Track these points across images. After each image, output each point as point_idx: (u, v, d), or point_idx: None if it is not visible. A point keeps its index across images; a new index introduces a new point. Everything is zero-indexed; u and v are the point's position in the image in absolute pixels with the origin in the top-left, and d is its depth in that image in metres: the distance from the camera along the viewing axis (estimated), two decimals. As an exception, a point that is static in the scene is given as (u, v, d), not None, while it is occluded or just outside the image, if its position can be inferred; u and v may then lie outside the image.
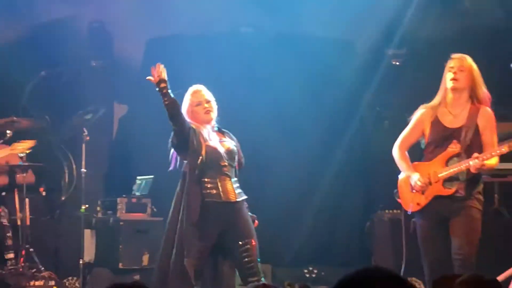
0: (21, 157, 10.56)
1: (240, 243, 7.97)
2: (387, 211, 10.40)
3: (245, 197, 8.11)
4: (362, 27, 11.14)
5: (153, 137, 8.64)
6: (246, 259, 7.97)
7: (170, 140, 7.90)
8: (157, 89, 7.65)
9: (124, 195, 10.50)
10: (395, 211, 10.26)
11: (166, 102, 7.65)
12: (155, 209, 10.23)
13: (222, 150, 8.02)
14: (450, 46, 8.66)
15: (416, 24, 11.00)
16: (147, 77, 7.71)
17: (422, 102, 8.14)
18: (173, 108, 7.68)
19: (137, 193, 10.51)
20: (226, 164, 8.03)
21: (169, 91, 7.66)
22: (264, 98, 10.85)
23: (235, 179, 8.10)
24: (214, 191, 7.96)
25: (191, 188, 7.94)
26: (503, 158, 8.04)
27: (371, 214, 10.74)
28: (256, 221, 8.21)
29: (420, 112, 7.91)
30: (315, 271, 10.07)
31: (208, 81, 8.31)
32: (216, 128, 8.13)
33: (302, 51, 10.99)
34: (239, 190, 8.08)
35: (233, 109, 8.79)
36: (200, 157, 7.85)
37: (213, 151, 7.95)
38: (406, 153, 7.93)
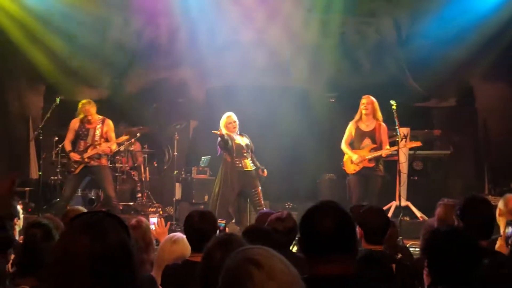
0: (143, 146, 10.75)
1: (253, 190, 8.12)
2: (327, 174, 10.40)
3: (255, 167, 8.23)
4: (314, 81, 11.08)
5: (209, 137, 8.60)
6: (256, 198, 8.12)
7: (217, 143, 8.09)
8: (219, 136, 7.91)
9: (195, 166, 10.43)
10: (331, 174, 10.29)
11: (222, 141, 7.95)
12: (210, 173, 10.17)
13: (243, 144, 8.15)
14: (359, 91, 8.67)
15: (341, 79, 10.96)
16: (213, 131, 7.96)
17: (346, 121, 8.27)
18: (225, 142, 7.92)
19: (202, 165, 10.44)
20: (245, 151, 8.17)
21: (225, 137, 7.92)
22: (269, 116, 10.72)
23: (249, 158, 8.22)
24: (240, 165, 8.10)
25: (231, 164, 8.13)
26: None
27: (319, 175, 10.69)
28: (265, 171, 8.29)
29: (350, 125, 8.24)
30: (291, 204, 10.04)
31: (237, 110, 8.39)
32: (238, 133, 8.18)
33: (286, 94, 10.90)
34: (251, 164, 8.18)
35: (251, 125, 8.76)
36: (234, 152, 8.03)
37: (238, 146, 8.14)
38: (348, 145, 8.16)
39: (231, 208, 8.14)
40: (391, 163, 8.93)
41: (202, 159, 10.55)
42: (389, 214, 8.42)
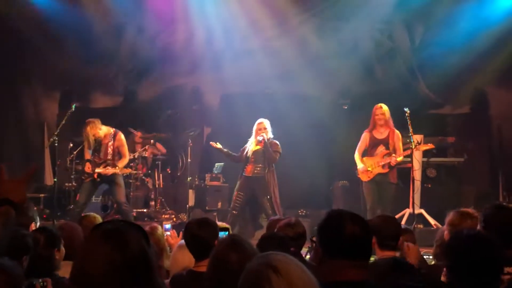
0: (158, 153, 10.75)
1: (267, 197, 8.06)
2: (340, 181, 10.36)
3: (262, 174, 8.21)
4: (327, 88, 11.03)
5: (223, 144, 8.61)
6: (268, 204, 8.06)
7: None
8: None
9: (209, 172, 10.46)
10: (344, 181, 10.26)
11: (224, 155, 8.33)
12: (224, 180, 10.21)
13: (250, 154, 8.17)
14: (372, 98, 8.66)
15: (354, 86, 10.95)
16: (211, 142, 8.38)
17: (359, 128, 8.26)
18: (227, 156, 8.29)
19: (215, 172, 10.48)
20: (253, 159, 8.15)
21: (225, 150, 8.34)
22: (282, 123, 10.32)
23: (261, 164, 8.18)
24: (245, 170, 8.20)
25: (242, 170, 8.17)
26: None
27: (332, 182, 10.67)
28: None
29: (364, 134, 8.21)
30: (304, 211, 10.00)
31: (251, 116, 8.37)
32: (260, 138, 8.18)
33: (299, 101, 10.89)
34: (258, 170, 8.16)
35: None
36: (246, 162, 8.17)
37: (246, 156, 8.16)
38: (360, 154, 8.20)
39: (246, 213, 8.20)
40: (404, 171, 8.91)
41: (216, 166, 10.56)
42: (403, 222, 8.40)
